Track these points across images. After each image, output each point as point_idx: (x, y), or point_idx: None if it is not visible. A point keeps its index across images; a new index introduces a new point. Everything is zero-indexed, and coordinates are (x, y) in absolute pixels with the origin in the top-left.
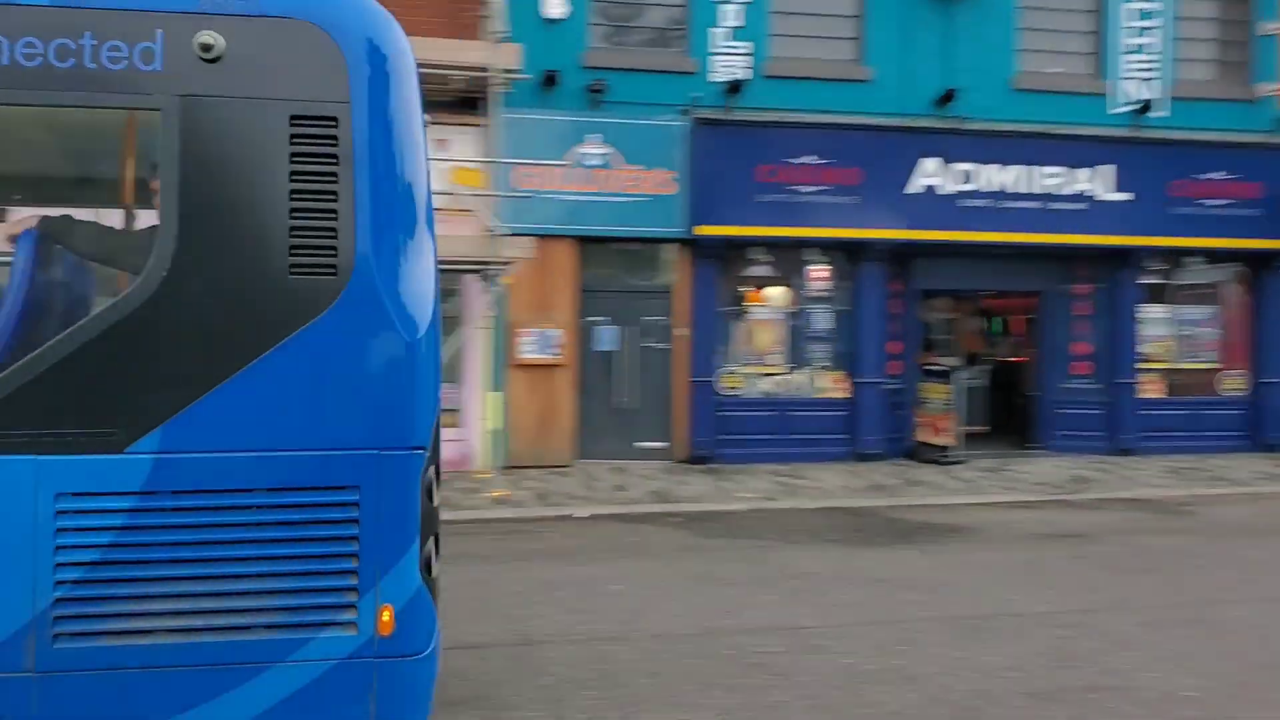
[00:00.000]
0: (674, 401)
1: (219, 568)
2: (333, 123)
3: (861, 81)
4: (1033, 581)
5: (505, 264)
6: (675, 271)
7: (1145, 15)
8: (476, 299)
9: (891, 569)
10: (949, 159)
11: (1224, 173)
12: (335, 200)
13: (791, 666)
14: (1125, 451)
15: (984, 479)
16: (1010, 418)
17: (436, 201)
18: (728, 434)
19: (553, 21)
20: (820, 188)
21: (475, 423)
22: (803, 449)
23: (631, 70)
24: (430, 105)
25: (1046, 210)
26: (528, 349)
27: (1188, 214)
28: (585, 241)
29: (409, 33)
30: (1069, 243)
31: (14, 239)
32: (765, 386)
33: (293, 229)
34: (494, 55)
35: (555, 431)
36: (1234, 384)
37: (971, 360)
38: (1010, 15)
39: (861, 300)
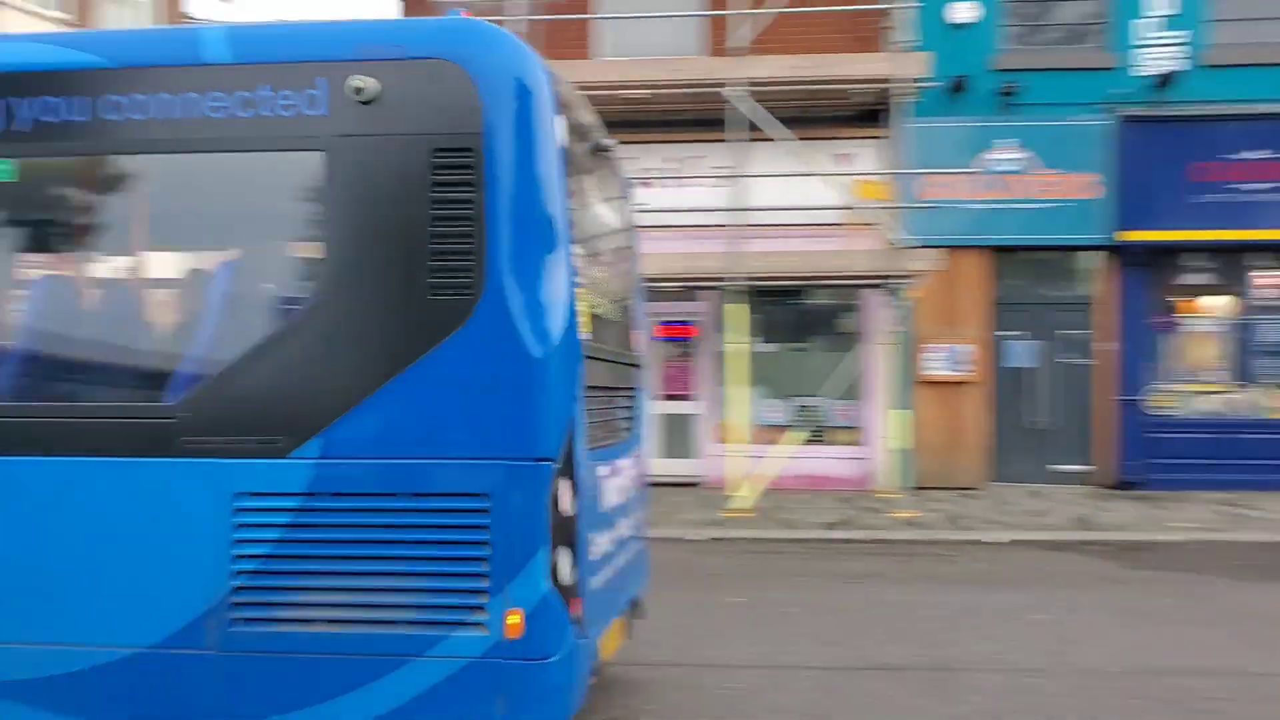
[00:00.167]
0: (1095, 422)
1: (367, 565)
2: (468, 153)
3: None
4: None
5: (910, 277)
6: (1097, 281)
7: None
8: (879, 314)
9: None
10: None
11: None
12: (470, 225)
13: (1243, 717)
14: None
15: None
16: None
17: (837, 216)
18: (1159, 458)
19: (960, 26)
20: (1269, 185)
21: (878, 441)
22: (1250, 475)
23: (1046, 70)
24: (830, 120)
25: None
26: (935, 365)
27: None
28: (997, 251)
29: (808, 50)
30: None
31: (206, 275)
32: (1204, 406)
33: (433, 252)
34: (898, 65)
35: (963, 452)
36: None
37: None
38: None
39: None
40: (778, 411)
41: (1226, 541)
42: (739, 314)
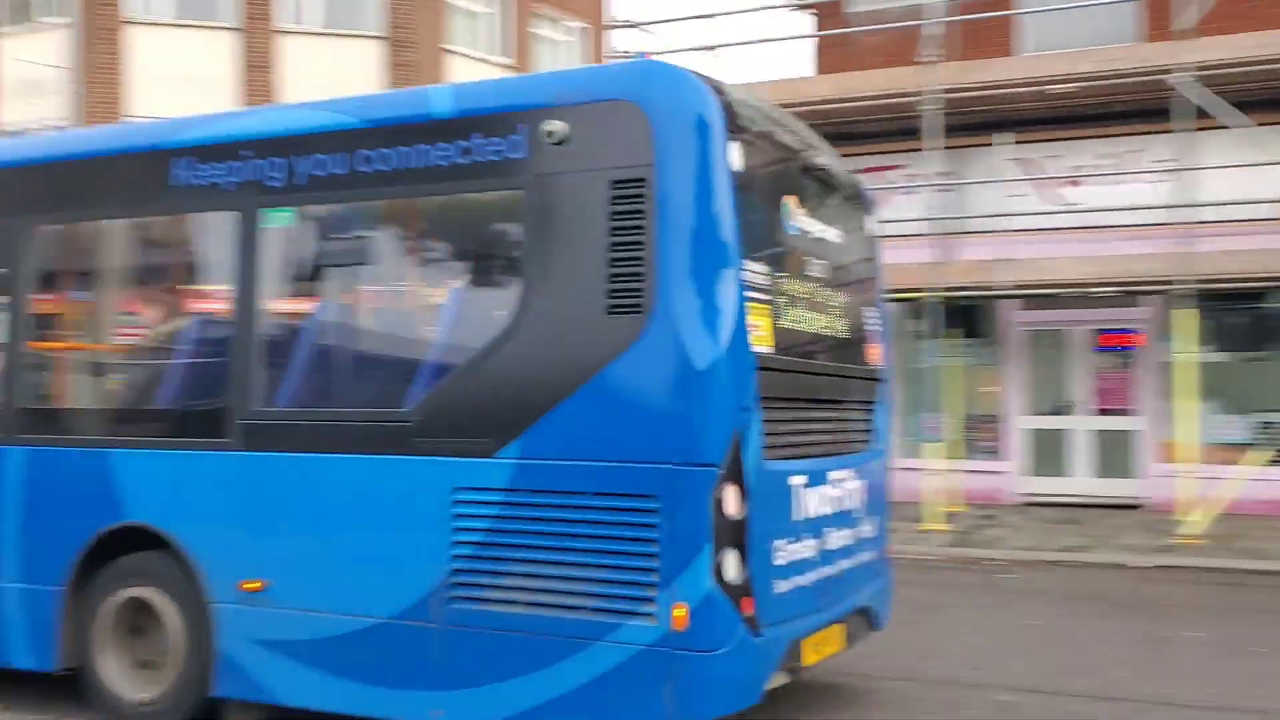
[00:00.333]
0: None
1: (555, 555)
2: (641, 184)
3: None
4: None
5: None
6: None
7: None
8: None
9: None
10: None
11: None
12: (641, 249)
13: None
14: None
15: None
16: None
17: None
18: None
19: None
20: None
21: None
22: None
23: None
24: None
25: None
26: None
27: None
28: None
29: (1260, 26)
30: None
31: (436, 301)
32: None
33: (610, 275)
34: None
35: None
36: None
37: None
38: None
39: None
40: (1234, 428)
41: None
42: (1187, 320)
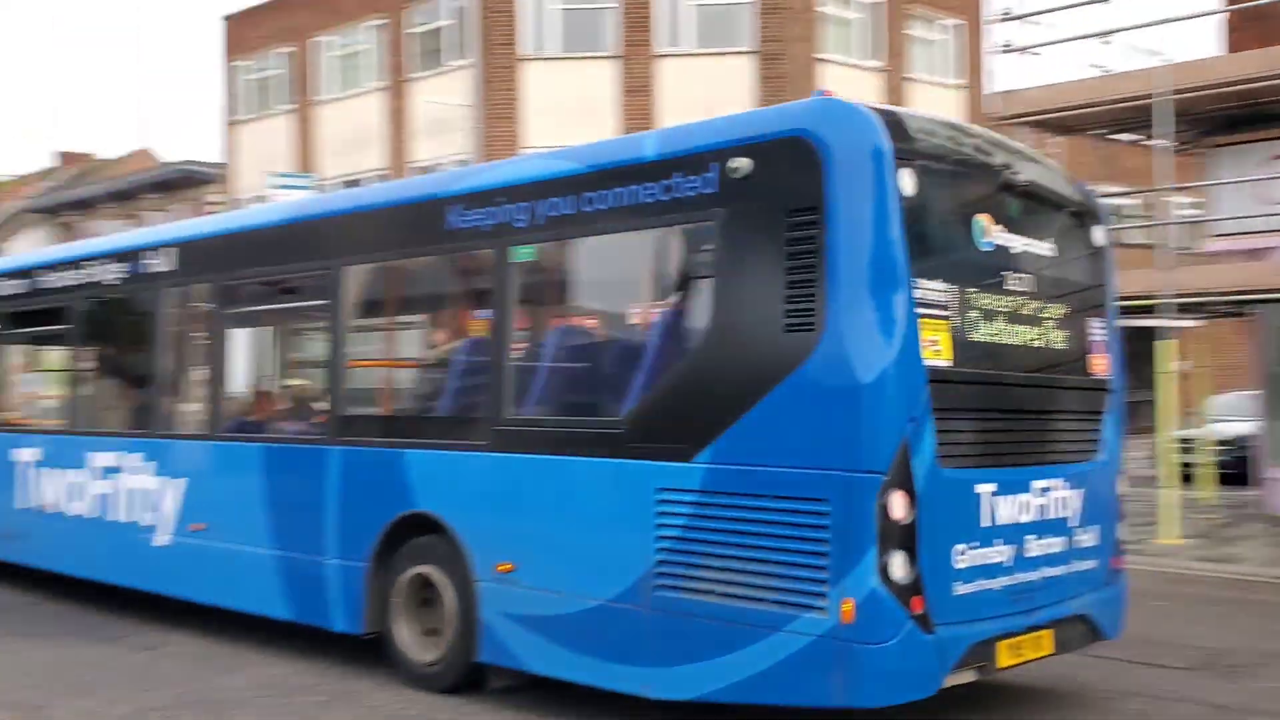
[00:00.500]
0: None
1: (740, 550)
2: (813, 211)
3: None
4: None
5: None
6: None
7: None
8: None
9: None
10: None
11: None
12: (813, 273)
13: None
14: None
15: None
16: None
17: None
18: None
19: None
20: None
21: None
22: None
23: None
24: None
25: None
26: None
27: None
28: None
29: None
30: None
31: (644, 322)
32: None
33: (786, 297)
34: None
35: None
36: None
37: None
38: None
39: None
40: None
41: None
42: None
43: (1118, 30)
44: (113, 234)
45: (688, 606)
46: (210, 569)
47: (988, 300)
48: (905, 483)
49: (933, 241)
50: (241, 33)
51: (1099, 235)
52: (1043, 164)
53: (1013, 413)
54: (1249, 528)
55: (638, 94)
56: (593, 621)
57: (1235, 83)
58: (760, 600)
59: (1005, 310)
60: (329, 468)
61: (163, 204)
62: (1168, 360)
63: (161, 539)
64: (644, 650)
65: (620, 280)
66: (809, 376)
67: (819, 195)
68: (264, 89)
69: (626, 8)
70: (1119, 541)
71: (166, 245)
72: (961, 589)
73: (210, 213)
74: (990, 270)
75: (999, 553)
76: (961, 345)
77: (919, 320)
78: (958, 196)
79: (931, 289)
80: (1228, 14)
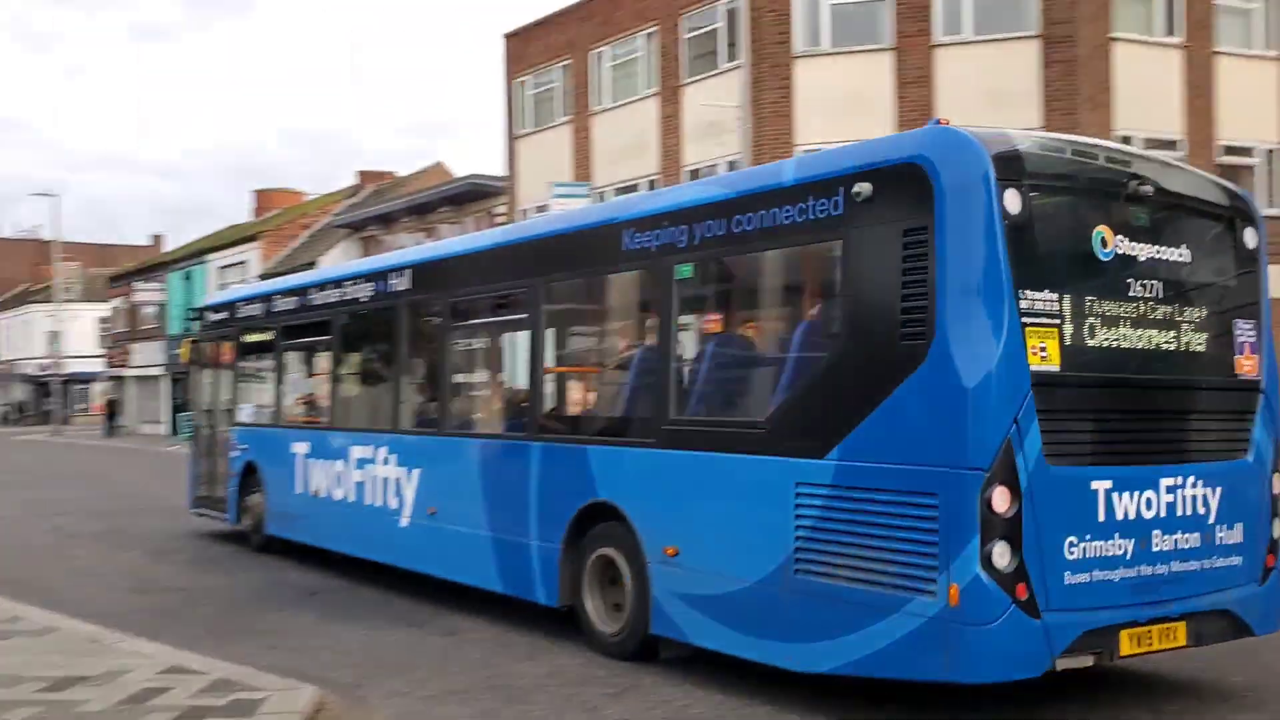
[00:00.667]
0: None
1: (862, 539)
2: (924, 230)
3: None
4: None
5: None
6: None
7: None
8: None
9: None
10: None
11: None
12: (924, 286)
13: None
14: None
15: None
16: None
17: None
18: None
19: None
20: None
21: None
22: None
23: None
24: None
25: None
26: None
27: None
28: None
29: None
30: None
31: (787, 333)
32: None
33: (902, 309)
34: None
35: None
36: None
37: None
38: None
39: None
40: None
41: None
42: None
43: None
44: (406, 248)
45: (820, 588)
46: (441, 547)
47: (1109, 307)
48: (1009, 478)
49: (1042, 255)
50: (521, 49)
51: (1250, 237)
52: (1187, 172)
53: (1133, 413)
54: None
55: (913, 85)
56: (742, 600)
57: None
58: (881, 584)
59: (1129, 316)
60: (530, 461)
61: (455, 217)
62: None
63: (404, 521)
64: (785, 627)
65: (764, 293)
66: (921, 381)
67: (929, 216)
68: (543, 102)
69: None
70: (1276, 540)
71: (404, 268)
72: (1073, 579)
73: (498, 224)
74: (1112, 278)
75: (1117, 546)
76: (1074, 350)
77: (1025, 328)
78: (1074, 211)
79: (1039, 299)
80: None
